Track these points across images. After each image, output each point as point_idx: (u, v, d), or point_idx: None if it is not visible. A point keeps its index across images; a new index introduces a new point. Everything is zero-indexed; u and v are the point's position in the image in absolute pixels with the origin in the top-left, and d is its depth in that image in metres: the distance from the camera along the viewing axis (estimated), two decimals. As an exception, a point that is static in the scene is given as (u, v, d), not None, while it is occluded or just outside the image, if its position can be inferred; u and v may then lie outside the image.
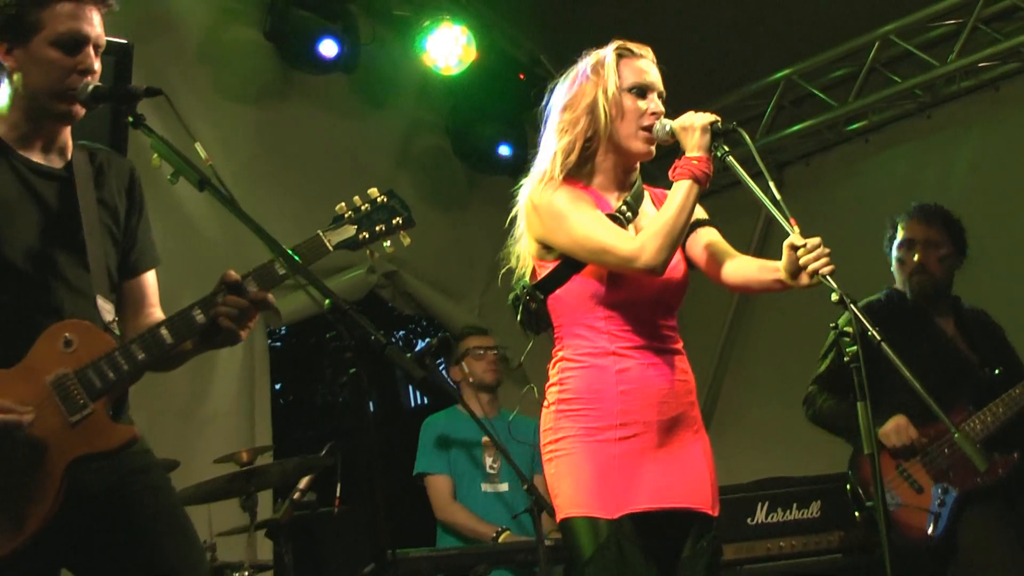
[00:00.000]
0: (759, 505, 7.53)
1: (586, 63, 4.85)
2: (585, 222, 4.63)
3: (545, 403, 4.80)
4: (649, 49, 4.90)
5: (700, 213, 4.92)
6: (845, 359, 4.43)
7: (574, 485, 4.61)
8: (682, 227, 4.57)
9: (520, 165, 9.93)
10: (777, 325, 10.13)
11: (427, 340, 10.57)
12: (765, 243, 10.08)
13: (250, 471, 7.14)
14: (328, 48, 9.13)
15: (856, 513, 6.38)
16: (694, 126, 4.57)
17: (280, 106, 9.56)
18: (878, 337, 4.29)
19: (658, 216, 4.61)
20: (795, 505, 7.55)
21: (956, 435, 4.53)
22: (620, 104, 4.74)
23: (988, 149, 9.55)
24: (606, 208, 4.76)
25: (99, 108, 4.17)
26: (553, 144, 4.80)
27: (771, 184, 4.54)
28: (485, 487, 7.89)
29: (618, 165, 4.84)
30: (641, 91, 4.78)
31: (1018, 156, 9.36)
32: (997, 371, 6.33)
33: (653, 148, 4.79)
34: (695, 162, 4.55)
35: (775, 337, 9.86)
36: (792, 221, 4.46)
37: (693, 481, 4.69)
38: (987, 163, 9.50)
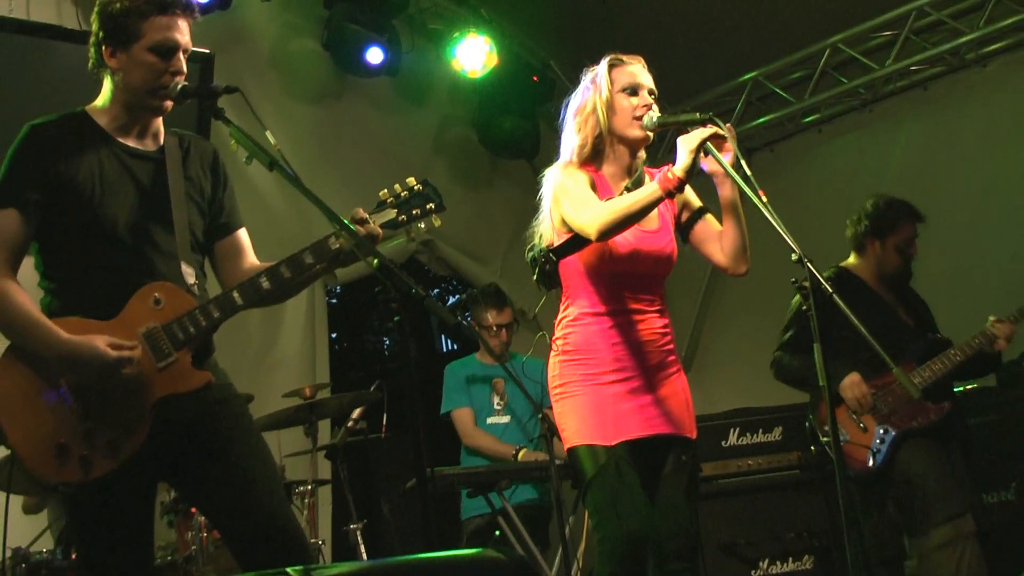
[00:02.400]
0: (731, 430, 7.57)
1: (588, 77, 4.91)
2: (573, 197, 4.69)
3: (552, 353, 4.87)
4: (639, 57, 4.93)
5: (695, 201, 5.00)
6: (804, 309, 4.44)
7: (578, 420, 4.70)
8: (633, 217, 4.57)
9: (534, 152, 9.95)
10: (748, 281, 10.09)
11: (457, 296, 10.56)
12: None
13: (312, 404, 7.15)
14: (375, 56, 9.11)
15: (812, 447, 6.39)
16: (684, 147, 4.51)
17: (335, 105, 9.56)
18: (830, 290, 4.30)
19: (621, 200, 4.64)
20: (761, 430, 7.59)
21: (895, 371, 4.53)
22: (614, 104, 4.79)
23: (918, 137, 9.55)
24: (611, 192, 4.79)
25: (187, 103, 4.17)
26: (572, 142, 4.87)
27: (743, 163, 4.54)
28: (491, 420, 7.88)
29: (623, 153, 4.87)
30: (632, 90, 4.81)
31: (943, 143, 9.39)
32: (938, 335, 6.35)
33: (649, 133, 4.81)
34: (671, 176, 4.52)
35: (747, 291, 9.82)
36: (760, 192, 4.46)
37: (673, 411, 4.77)
38: (918, 149, 9.51)
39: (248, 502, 4.04)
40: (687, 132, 4.60)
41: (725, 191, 4.81)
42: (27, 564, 5.78)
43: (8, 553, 5.68)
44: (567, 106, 4.99)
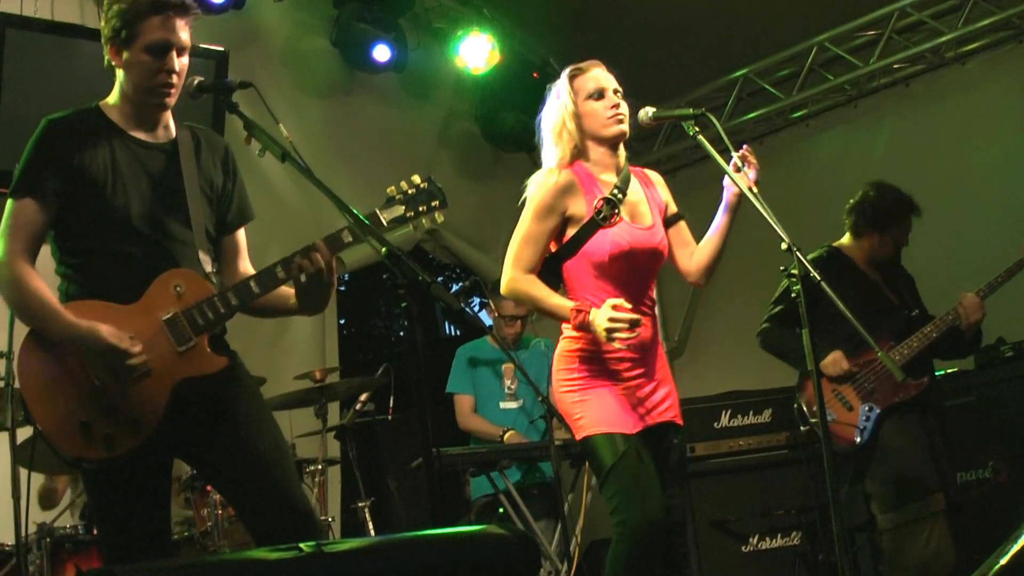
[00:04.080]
0: (723, 412, 7.56)
1: (552, 92, 4.93)
2: (523, 235, 4.80)
3: (560, 348, 4.82)
4: (596, 62, 4.92)
5: (673, 206, 5.03)
6: (792, 295, 4.45)
7: (597, 411, 4.66)
8: (534, 308, 4.89)
9: (534, 145, 9.91)
10: (739, 268, 10.10)
11: (461, 283, 10.55)
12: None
13: (322, 386, 7.15)
14: (382, 53, 9.11)
15: (801, 428, 6.38)
16: (599, 326, 4.51)
17: (344, 100, 9.55)
18: (818, 277, 4.31)
19: (538, 289, 4.72)
20: (751, 412, 7.58)
21: (880, 354, 4.54)
22: (582, 112, 4.79)
23: (901, 131, 9.57)
24: (599, 191, 4.76)
25: (203, 98, 4.17)
26: (552, 153, 4.88)
27: (734, 155, 4.54)
28: (503, 404, 7.87)
29: (604, 151, 4.84)
30: (598, 94, 4.80)
31: (923, 137, 9.40)
32: (915, 312, 6.35)
33: (625, 128, 4.80)
34: (585, 322, 4.56)
35: (738, 277, 9.81)
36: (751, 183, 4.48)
37: (667, 399, 4.79)
38: (900, 142, 9.52)
39: (260, 478, 4.04)
40: (687, 125, 4.70)
41: (729, 216, 4.87)
42: (52, 539, 5.79)
43: (33, 528, 5.70)
44: (539, 125, 4.99)
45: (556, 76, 4.97)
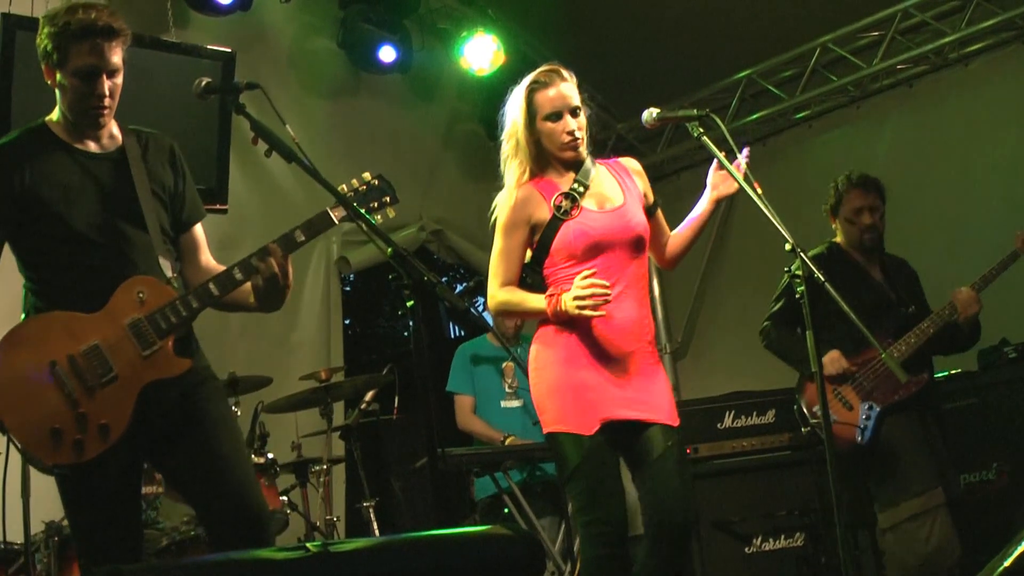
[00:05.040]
0: (727, 413, 7.56)
1: (511, 100, 4.90)
2: (497, 254, 4.83)
3: (534, 340, 4.80)
4: (557, 73, 4.81)
5: (651, 195, 4.97)
6: (796, 296, 4.45)
7: (556, 406, 4.62)
8: (521, 313, 5.01)
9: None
10: (741, 270, 10.13)
11: (465, 283, 10.56)
12: (731, 207, 10.11)
13: (327, 386, 7.16)
14: (387, 54, 9.15)
15: (802, 429, 6.38)
16: (568, 308, 4.53)
17: (350, 100, 9.58)
18: (822, 278, 4.31)
19: (516, 295, 4.75)
20: (755, 412, 7.58)
21: (883, 354, 4.55)
22: (540, 132, 4.76)
23: (904, 132, 9.57)
24: (556, 189, 4.76)
25: (210, 99, 4.19)
26: (510, 171, 4.91)
27: (740, 156, 4.54)
28: (504, 403, 7.85)
29: (560, 165, 4.82)
30: (556, 116, 4.74)
31: (927, 138, 9.40)
32: (911, 309, 6.34)
33: (582, 150, 4.78)
34: (560, 310, 4.57)
35: (740, 280, 9.84)
36: (755, 184, 4.48)
37: (652, 399, 4.66)
38: (903, 143, 9.52)
39: (218, 481, 4.11)
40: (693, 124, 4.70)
41: (709, 209, 4.90)
42: (60, 537, 5.79)
43: (41, 526, 5.72)
44: (501, 127, 4.98)
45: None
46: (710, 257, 10.50)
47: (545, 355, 4.70)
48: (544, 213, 4.72)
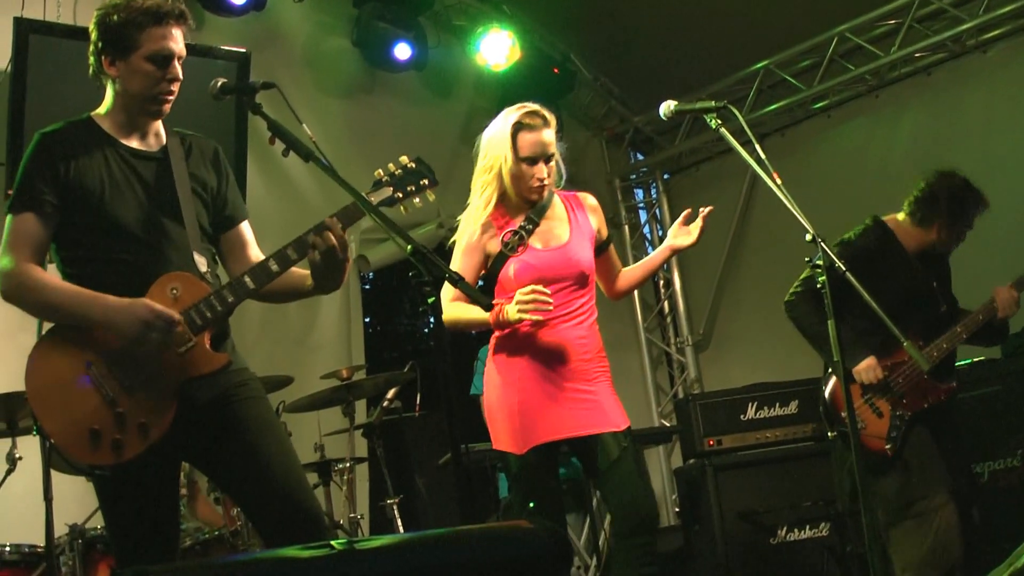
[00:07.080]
0: (750, 404, 7.57)
1: (495, 131, 5.03)
2: (455, 267, 4.90)
3: (489, 358, 5.02)
4: (543, 117, 4.97)
5: (604, 231, 5.19)
6: (818, 286, 4.43)
7: (498, 424, 4.93)
8: (466, 326, 5.01)
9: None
10: (762, 261, 10.12)
11: (483, 280, 10.54)
12: (751, 198, 10.13)
13: (349, 384, 7.15)
14: (402, 52, 9.17)
15: (829, 435, 6.21)
16: (511, 316, 4.73)
17: (365, 99, 9.58)
18: (843, 268, 4.29)
19: (462, 310, 4.91)
20: (777, 404, 7.59)
21: (906, 344, 4.51)
22: (516, 172, 4.93)
23: (922, 121, 9.57)
24: (508, 220, 5.01)
25: (226, 99, 4.19)
26: (477, 198, 5.07)
27: (758, 147, 4.53)
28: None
29: (522, 201, 5.02)
30: (532, 161, 4.91)
31: (945, 126, 9.39)
32: (943, 308, 6.18)
33: (542, 197, 4.99)
34: (501, 319, 4.77)
35: (761, 271, 9.83)
36: (775, 174, 4.46)
37: (596, 411, 4.87)
38: (922, 132, 9.52)
39: (267, 482, 4.06)
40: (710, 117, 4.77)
41: (664, 257, 5.26)
42: (83, 540, 5.81)
43: (65, 529, 5.73)
44: (478, 152, 5.12)
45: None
46: (730, 248, 10.49)
47: (492, 376, 4.96)
48: (495, 246, 4.98)
